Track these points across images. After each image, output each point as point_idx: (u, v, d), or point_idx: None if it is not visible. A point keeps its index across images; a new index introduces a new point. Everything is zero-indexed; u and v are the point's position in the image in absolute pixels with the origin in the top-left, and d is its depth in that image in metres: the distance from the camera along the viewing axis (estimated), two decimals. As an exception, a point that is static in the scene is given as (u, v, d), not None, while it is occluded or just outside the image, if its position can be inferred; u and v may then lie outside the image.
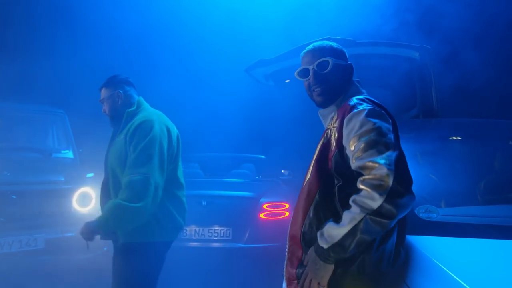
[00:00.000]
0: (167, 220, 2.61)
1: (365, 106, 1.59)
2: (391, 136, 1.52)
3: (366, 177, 1.44)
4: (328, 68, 1.75)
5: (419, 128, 2.94)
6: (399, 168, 1.43)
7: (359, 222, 1.41)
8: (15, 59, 6.04)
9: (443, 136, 2.74)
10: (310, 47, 1.84)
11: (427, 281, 1.41)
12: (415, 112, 3.58)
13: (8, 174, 4.33)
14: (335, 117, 1.68)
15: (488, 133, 2.73)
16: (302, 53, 1.86)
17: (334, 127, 1.66)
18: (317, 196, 1.61)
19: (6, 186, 4.19)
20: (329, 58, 1.76)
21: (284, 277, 1.80)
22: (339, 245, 1.44)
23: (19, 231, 4.08)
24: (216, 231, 4.52)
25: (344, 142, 1.57)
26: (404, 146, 1.63)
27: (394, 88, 3.48)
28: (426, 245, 1.59)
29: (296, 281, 1.66)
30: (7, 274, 3.90)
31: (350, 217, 1.43)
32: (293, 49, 3.63)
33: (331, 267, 1.49)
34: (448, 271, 1.38)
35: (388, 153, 1.45)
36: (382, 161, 1.42)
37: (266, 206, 4.64)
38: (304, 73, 1.81)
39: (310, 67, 1.78)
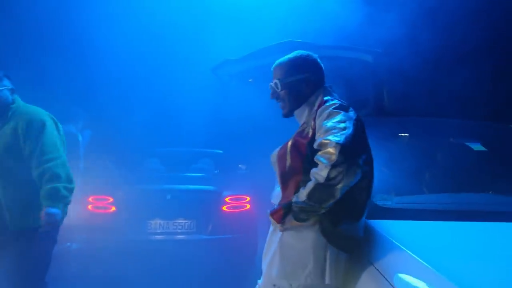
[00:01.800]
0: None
1: (335, 101, 1.90)
2: (350, 123, 1.77)
3: (320, 153, 1.71)
4: (279, 89, 2.06)
5: (372, 126, 3.21)
6: (350, 143, 1.68)
7: (315, 187, 1.71)
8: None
9: (393, 133, 3.05)
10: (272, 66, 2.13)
11: (386, 258, 1.68)
12: (369, 111, 3.89)
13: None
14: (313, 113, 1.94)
15: (433, 130, 3.07)
16: None
17: (311, 119, 1.93)
18: (303, 177, 1.84)
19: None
20: (277, 80, 2.06)
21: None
22: (304, 202, 1.75)
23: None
24: (180, 223, 4.67)
25: (317, 130, 1.84)
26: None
27: (350, 88, 3.76)
28: (383, 227, 1.87)
29: None
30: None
31: (308, 185, 1.73)
32: (257, 51, 3.80)
33: (295, 222, 1.80)
34: (404, 248, 1.66)
35: (342, 132, 1.71)
36: (335, 139, 1.69)
37: (228, 199, 4.85)
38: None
39: (271, 85, 2.11)
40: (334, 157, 1.65)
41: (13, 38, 6.06)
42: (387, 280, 1.59)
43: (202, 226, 4.69)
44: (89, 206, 4.69)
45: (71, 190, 2.89)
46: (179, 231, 4.66)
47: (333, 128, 1.74)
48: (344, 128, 1.73)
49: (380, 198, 2.10)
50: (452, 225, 1.95)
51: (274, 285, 1.84)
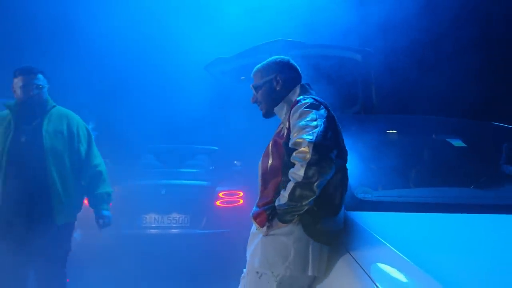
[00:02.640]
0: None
1: (307, 100, 1.97)
2: (321, 120, 1.86)
3: (295, 153, 1.80)
4: (255, 92, 2.21)
5: (360, 123, 3.32)
6: (322, 140, 1.77)
7: (294, 187, 1.79)
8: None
9: (380, 130, 3.15)
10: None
11: (363, 247, 1.79)
12: (357, 109, 3.99)
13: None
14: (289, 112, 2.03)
15: (417, 127, 3.18)
16: None
17: (286, 118, 2.03)
18: (282, 178, 1.93)
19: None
20: (252, 86, 2.21)
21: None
22: (286, 203, 1.83)
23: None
24: (174, 218, 4.77)
25: (291, 130, 1.93)
26: (347, 139, 2.02)
27: (340, 86, 3.86)
28: (361, 218, 1.96)
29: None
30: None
31: (288, 186, 1.82)
32: (248, 49, 3.89)
33: (282, 225, 1.89)
34: (380, 238, 1.76)
35: (314, 130, 1.80)
36: (308, 137, 1.78)
37: (222, 194, 4.94)
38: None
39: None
40: (308, 156, 1.75)
41: (19, 44, 6.13)
42: (363, 269, 1.67)
43: (196, 220, 4.78)
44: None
45: None
46: (174, 225, 4.76)
47: (306, 126, 1.83)
48: (316, 126, 1.82)
49: (361, 191, 2.20)
50: (429, 216, 2.03)
51: (257, 272, 1.95)
